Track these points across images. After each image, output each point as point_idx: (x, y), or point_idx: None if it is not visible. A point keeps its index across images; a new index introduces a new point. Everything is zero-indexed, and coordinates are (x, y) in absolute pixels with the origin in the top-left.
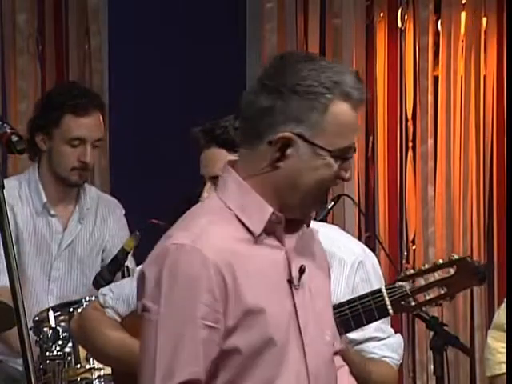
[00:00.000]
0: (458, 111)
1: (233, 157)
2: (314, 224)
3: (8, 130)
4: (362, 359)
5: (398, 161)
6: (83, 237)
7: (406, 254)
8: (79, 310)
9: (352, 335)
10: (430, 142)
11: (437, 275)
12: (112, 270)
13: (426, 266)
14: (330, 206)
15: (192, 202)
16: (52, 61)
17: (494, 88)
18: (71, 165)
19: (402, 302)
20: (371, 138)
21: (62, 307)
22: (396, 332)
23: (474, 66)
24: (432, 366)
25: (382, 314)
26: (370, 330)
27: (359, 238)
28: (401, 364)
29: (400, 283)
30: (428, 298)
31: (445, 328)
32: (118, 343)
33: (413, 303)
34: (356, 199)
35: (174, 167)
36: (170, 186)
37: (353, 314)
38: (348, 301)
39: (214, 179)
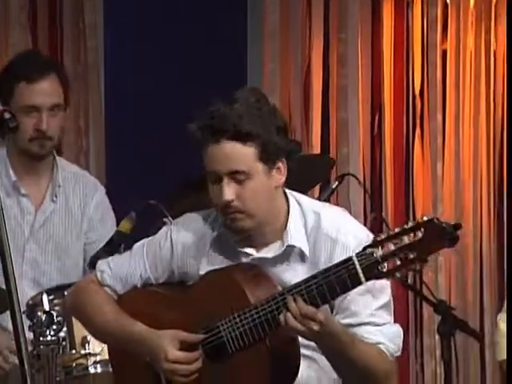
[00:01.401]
0: (468, 86)
1: (247, 148)
2: (317, 205)
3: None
4: (350, 338)
5: (405, 138)
6: (58, 216)
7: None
8: None
9: (346, 320)
10: (439, 118)
11: (406, 239)
12: (108, 252)
13: (396, 230)
14: (333, 186)
15: (190, 185)
16: (45, 34)
17: (504, 62)
18: (28, 135)
19: (374, 269)
20: (377, 115)
21: (56, 290)
22: (402, 316)
23: (484, 39)
24: (440, 352)
25: (355, 282)
26: (364, 314)
27: (365, 219)
28: (407, 349)
29: (370, 249)
30: (399, 263)
31: (453, 312)
32: (114, 322)
33: (385, 269)
34: (361, 178)
35: (172, 147)
36: (168, 166)
37: (327, 284)
38: (321, 271)
39: (233, 175)
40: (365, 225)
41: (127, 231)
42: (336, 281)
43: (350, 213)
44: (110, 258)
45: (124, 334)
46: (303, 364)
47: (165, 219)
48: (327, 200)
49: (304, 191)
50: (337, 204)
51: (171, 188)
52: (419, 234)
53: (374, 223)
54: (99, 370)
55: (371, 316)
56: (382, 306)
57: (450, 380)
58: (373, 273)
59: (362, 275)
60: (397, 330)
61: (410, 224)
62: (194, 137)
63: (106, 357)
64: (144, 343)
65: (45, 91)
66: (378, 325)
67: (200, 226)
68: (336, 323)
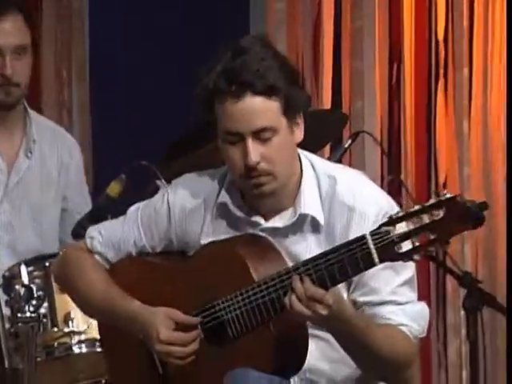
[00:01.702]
0: (498, 33)
1: (272, 103)
2: (332, 168)
3: None
4: (364, 322)
5: (427, 91)
6: (33, 175)
7: None
8: None
9: (365, 298)
10: (465, 70)
11: (426, 218)
12: (94, 220)
13: (415, 207)
14: (346, 145)
15: (179, 147)
16: None
17: None
18: None
19: (390, 250)
20: (395, 65)
21: (36, 261)
22: (423, 290)
23: None
24: (465, 329)
25: (368, 263)
26: (384, 292)
27: (381, 182)
28: (429, 327)
29: (386, 228)
30: (417, 244)
31: (479, 285)
32: (105, 295)
33: (401, 250)
34: (378, 136)
35: (164, 103)
36: (159, 125)
37: (338, 264)
38: (332, 249)
39: (258, 133)
40: (381, 188)
41: (116, 195)
42: (347, 261)
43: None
44: (101, 224)
45: (115, 308)
46: (311, 344)
47: (158, 182)
48: (339, 161)
49: (313, 151)
50: (350, 165)
51: (163, 148)
52: (440, 213)
53: (392, 187)
54: (84, 349)
55: (393, 294)
56: (404, 282)
57: (476, 360)
58: (388, 254)
59: (375, 256)
60: (421, 308)
61: (431, 201)
62: (205, 94)
63: (92, 335)
64: (136, 320)
65: (6, 31)
66: (401, 303)
67: (202, 188)
68: (348, 306)
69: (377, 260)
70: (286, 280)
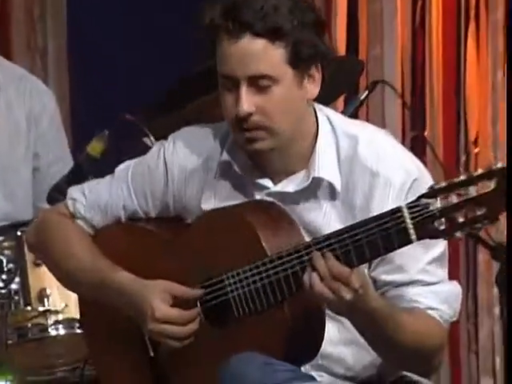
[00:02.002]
0: None
1: (275, 49)
2: (353, 126)
3: None
4: (389, 310)
5: (455, 36)
6: None
7: (464, 159)
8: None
9: (389, 276)
10: (500, 10)
11: (473, 191)
12: (73, 183)
13: (461, 177)
14: (362, 97)
15: (170, 98)
16: None
17: None
18: None
19: (429, 226)
20: (419, 5)
21: (6, 230)
22: (451, 263)
23: None
24: (498, 307)
25: (403, 240)
26: (412, 270)
27: (402, 139)
28: None
29: (426, 200)
30: (462, 220)
31: None
32: (89, 265)
33: (442, 227)
34: (399, 87)
35: (151, 48)
36: (146, 72)
37: (367, 239)
38: (359, 223)
39: (254, 80)
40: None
41: (98, 154)
42: (379, 237)
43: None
44: (86, 184)
45: (101, 281)
46: (330, 328)
47: (146, 140)
48: (354, 115)
49: (324, 104)
50: (367, 120)
51: (152, 100)
52: (491, 185)
53: (415, 144)
54: (62, 331)
55: (422, 272)
56: (435, 258)
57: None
58: (427, 230)
59: (412, 232)
60: (452, 288)
61: (480, 171)
62: (203, 31)
63: (71, 315)
64: (126, 294)
65: None
66: (430, 283)
67: (204, 144)
68: (374, 292)
69: (414, 237)
70: (305, 255)
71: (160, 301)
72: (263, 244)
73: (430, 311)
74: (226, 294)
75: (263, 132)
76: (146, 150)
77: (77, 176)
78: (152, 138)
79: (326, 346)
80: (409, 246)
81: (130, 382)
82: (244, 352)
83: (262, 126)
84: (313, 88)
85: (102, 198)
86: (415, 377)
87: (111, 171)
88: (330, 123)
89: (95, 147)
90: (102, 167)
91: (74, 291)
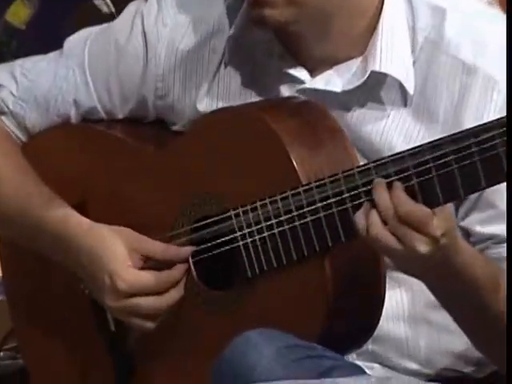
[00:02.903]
0: None
1: None
2: None
3: None
4: (487, 265)
5: None
6: None
7: None
8: None
9: (490, 228)
10: None
11: None
12: None
13: None
14: None
15: None
16: None
17: None
18: None
19: None
20: None
21: None
22: None
23: None
24: None
25: None
26: None
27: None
28: None
29: None
30: None
31: None
32: (15, 190)
33: None
34: None
35: None
36: None
37: (461, 163)
38: (449, 138)
39: None
40: None
41: (22, 24)
42: (479, 159)
43: None
44: (18, 63)
45: (32, 216)
46: (390, 296)
47: (96, 1)
48: None
49: None
50: None
51: None
52: None
53: None
54: None
55: None
56: None
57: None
58: None
59: None
60: None
61: None
62: None
63: None
64: (71, 244)
65: None
66: None
67: (206, 9)
68: (466, 245)
69: None
70: (360, 186)
71: (125, 264)
72: (295, 165)
73: None
74: (232, 241)
75: None
76: (98, 17)
77: None
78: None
79: (382, 324)
80: None
81: (77, 372)
82: (255, 329)
83: None
84: None
85: (42, 85)
86: None
87: (44, 50)
88: None
89: (16, 13)
90: (30, 42)
91: None
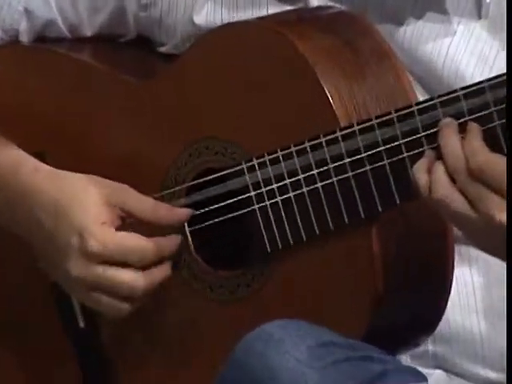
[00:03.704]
0: None
1: None
2: None
3: None
4: None
5: None
6: None
7: None
8: None
9: None
10: None
11: None
12: None
13: None
14: None
15: None
16: None
17: None
18: None
19: None
20: None
21: None
22: None
23: None
24: None
25: None
26: None
27: None
28: None
29: None
30: None
31: None
32: None
33: None
34: None
35: None
36: None
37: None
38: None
39: None
40: None
41: None
42: None
43: None
44: None
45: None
46: (459, 277)
47: None
48: None
49: None
50: None
51: None
52: None
53: None
54: None
55: None
56: None
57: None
58: None
59: None
60: None
61: None
62: None
63: None
64: (25, 200)
65: None
66: None
67: None
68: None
69: None
70: (420, 130)
71: (98, 220)
72: (330, 101)
73: None
74: (245, 204)
75: None
76: None
77: None
78: None
79: (447, 317)
80: None
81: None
82: (275, 321)
83: None
84: None
85: None
86: None
87: None
88: None
89: None
90: None
91: None
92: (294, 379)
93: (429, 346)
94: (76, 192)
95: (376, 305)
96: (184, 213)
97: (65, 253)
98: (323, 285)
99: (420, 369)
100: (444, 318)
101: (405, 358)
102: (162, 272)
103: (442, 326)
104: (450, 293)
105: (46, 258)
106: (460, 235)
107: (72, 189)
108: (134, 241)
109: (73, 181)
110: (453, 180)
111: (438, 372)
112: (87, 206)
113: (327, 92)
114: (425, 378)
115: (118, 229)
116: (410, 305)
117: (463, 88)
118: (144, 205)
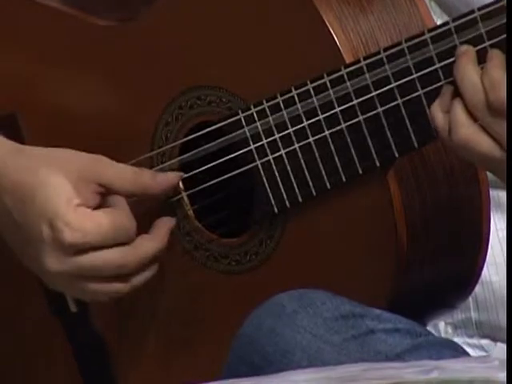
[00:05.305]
0: None
1: None
2: None
3: None
4: None
5: None
6: None
7: None
8: None
9: None
10: None
11: None
12: None
13: None
14: None
15: None
16: None
17: None
18: None
19: None
20: None
21: None
22: None
23: None
24: None
25: None
26: None
27: None
28: None
29: None
30: None
31: None
32: None
33: None
34: None
35: None
36: None
37: None
38: None
39: None
40: None
41: None
42: None
43: None
44: None
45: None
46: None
47: None
48: None
49: None
50: None
51: None
52: None
53: None
54: None
55: None
56: None
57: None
58: None
59: None
60: None
61: None
62: None
63: None
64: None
65: None
66: None
67: None
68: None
69: None
70: (435, 60)
71: (71, 203)
72: (332, 33)
73: None
74: (244, 160)
75: None
76: None
77: None
78: None
79: (488, 277)
80: None
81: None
82: (288, 291)
83: None
84: None
85: None
86: None
87: None
88: None
89: None
90: None
91: None
92: (309, 356)
93: (472, 313)
94: (42, 173)
95: (401, 264)
96: (175, 177)
97: (37, 246)
98: (339, 246)
99: (465, 338)
100: (485, 281)
101: (444, 328)
102: (155, 242)
103: (485, 291)
104: (487, 246)
105: (19, 250)
106: (496, 179)
107: (37, 169)
108: (116, 220)
109: (37, 158)
110: (474, 118)
111: (485, 343)
112: (57, 187)
113: (328, 24)
114: (464, 352)
115: (97, 207)
116: (438, 264)
117: (480, 8)
118: (123, 175)
